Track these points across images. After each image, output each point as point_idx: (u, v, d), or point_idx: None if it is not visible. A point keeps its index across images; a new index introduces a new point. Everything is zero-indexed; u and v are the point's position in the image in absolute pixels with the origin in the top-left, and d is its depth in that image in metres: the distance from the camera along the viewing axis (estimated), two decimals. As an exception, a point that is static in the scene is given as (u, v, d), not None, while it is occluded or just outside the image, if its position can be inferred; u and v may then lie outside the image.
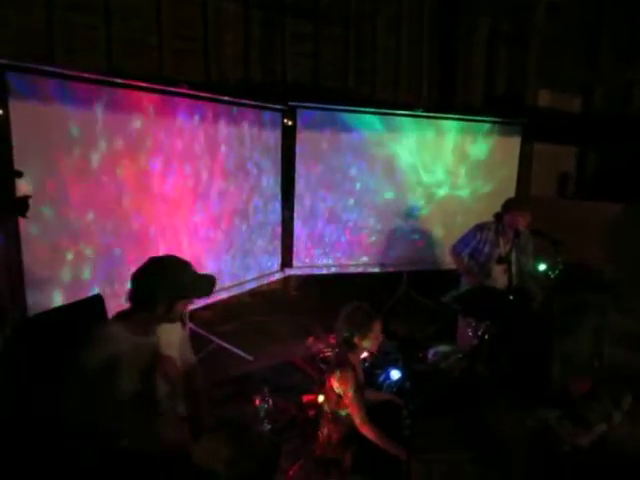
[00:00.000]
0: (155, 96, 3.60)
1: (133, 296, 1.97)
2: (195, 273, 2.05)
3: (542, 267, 4.03)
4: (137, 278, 1.97)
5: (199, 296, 2.11)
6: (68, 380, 1.87)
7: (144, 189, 3.55)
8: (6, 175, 2.60)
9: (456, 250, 4.19)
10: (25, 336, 2.13)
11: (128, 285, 1.99)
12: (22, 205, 2.52)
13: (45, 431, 2.01)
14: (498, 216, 4.05)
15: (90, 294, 2.85)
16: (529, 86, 6.75)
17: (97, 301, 2.52)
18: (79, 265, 3.12)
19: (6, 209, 2.65)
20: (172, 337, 2.19)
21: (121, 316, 2.02)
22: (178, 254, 2.10)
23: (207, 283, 2.09)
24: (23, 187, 2.65)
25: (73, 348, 1.88)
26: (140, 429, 1.97)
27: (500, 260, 4.01)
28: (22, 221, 2.65)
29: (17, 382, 2.06)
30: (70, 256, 3.05)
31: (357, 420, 2.47)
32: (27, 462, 2.04)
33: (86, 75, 3.08)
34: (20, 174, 2.61)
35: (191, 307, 4.01)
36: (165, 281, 1.94)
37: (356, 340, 2.56)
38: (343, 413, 2.54)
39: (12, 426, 2.10)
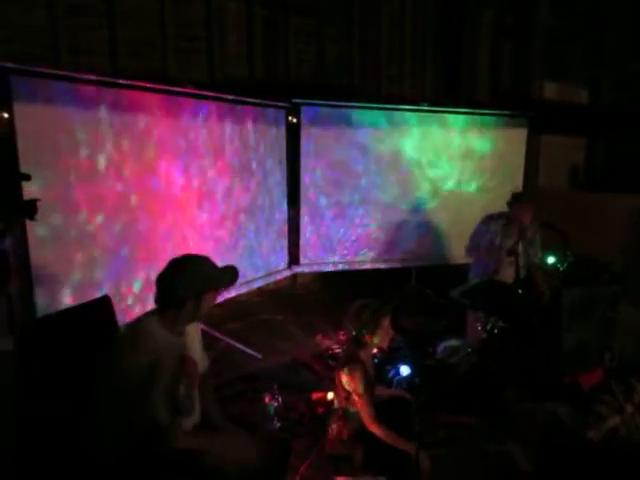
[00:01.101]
0: (160, 96, 3.60)
1: (161, 298, 1.98)
2: (216, 266, 2.08)
3: (551, 260, 4.00)
4: (162, 280, 1.98)
5: (225, 286, 2.14)
6: (106, 380, 1.88)
7: (151, 189, 3.56)
8: (13, 178, 2.62)
9: (471, 247, 4.16)
10: (34, 338, 2.14)
11: (135, 286, 2.00)
12: (30, 208, 2.52)
13: (57, 431, 2.02)
14: (509, 205, 4.03)
15: (98, 295, 2.86)
16: (535, 78, 6.70)
17: (105, 302, 2.53)
18: (87, 267, 3.13)
19: (14, 212, 2.65)
20: (193, 337, 2.20)
21: (153, 314, 2.01)
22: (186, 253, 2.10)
23: (230, 272, 2.14)
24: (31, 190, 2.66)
25: (92, 346, 1.88)
26: (161, 429, 1.98)
27: (508, 252, 4.00)
28: (29, 224, 2.66)
29: (27, 383, 2.07)
30: (78, 258, 3.07)
31: (365, 418, 2.46)
32: (38, 462, 2.05)
33: (90, 77, 3.09)
34: (28, 177, 2.61)
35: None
36: (190, 276, 1.96)
37: (366, 337, 2.56)
38: (353, 410, 2.54)
39: (23, 426, 2.11)
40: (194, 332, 2.23)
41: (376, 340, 2.58)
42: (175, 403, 1.96)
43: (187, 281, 1.96)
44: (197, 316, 2.06)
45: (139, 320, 2.08)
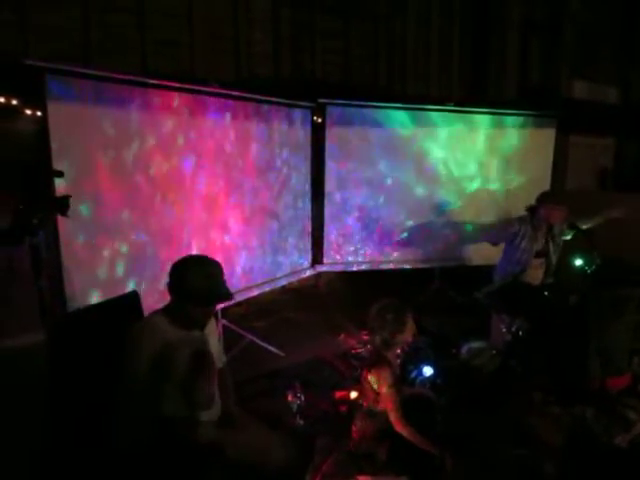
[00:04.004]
0: (187, 95, 3.65)
1: (168, 287, 2.03)
2: (222, 279, 2.06)
3: (579, 262, 3.94)
4: (172, 270, 2.03)
5: (212, 304, 2.09)
6: (118, 372, 1.93)
7: (177, 187, 3.61)
8: (46, 175, 2.68)
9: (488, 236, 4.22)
10: (65, 331, 2.19)
11: (163, 281, 2.04)
12: (62, 204, 2.58)
13: (85, 422, 2.07)
14: (532, 209, 3.97)
15: (126, 290, 2.92)
16: (564, 77, 6.59)
17: (133, 298, 2.58)
18: (115, 262, 3.19)
19: (47, 208, 2.72)
20: (210, 332, 2.23)
21: (163, 309, 2.08)
22: (210, 251, 2.13)
23: (223, 294, 2.07)
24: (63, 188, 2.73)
25: (119, 341, 1.94)
26: (180, 421, 2.01)
27: (538, 254, 3.95)
28: (60, 219, 2.72)
29: (58, 374, 2.13)
30: (107, 253, 3.13)
31: (392, 417, 2.46)
32: (69, 451, 2.10)
33: (120, 76, 3.15)
34: (61, 174, 2.68)
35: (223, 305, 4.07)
36: (195, 279, 1.97)
37: (391, 336, 2.56)
38: (378, 410, 2.54)
39: (55, 417, 2.16)
40: (212, 327, 2.26)
41: (400, 337, 2.58)
42: (192, 396, 2.00)
43: (190, 282, 1.96)
44: (198, 318, 2.06)
45: (149, 315, 2.14)
